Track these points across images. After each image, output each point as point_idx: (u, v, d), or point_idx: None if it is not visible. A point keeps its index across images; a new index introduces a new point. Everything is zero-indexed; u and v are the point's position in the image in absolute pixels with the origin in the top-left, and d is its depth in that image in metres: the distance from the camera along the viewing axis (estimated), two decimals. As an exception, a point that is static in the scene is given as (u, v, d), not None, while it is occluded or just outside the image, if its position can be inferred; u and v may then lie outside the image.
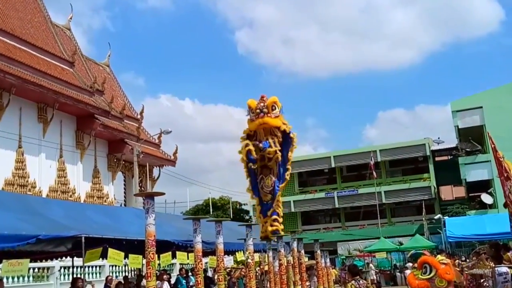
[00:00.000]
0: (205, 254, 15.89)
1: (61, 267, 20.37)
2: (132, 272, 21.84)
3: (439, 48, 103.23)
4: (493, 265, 7.57)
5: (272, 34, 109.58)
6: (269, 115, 10.61)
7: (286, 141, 11.02)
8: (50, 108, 26.26)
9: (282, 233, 11.01)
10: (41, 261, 15.04)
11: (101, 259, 11.52)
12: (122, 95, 36.61)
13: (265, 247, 12.71)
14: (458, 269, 11.77)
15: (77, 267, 16.51)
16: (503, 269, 7.04)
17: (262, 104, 10.65)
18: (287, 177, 11.18)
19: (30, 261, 11.66)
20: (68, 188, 27.22)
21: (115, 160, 31.84)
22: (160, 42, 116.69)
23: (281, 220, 11.08)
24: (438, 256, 7.81)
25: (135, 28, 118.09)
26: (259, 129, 10.74)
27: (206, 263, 19.64)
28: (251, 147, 10.57)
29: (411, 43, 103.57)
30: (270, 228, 10.78)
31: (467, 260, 16.26)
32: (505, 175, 8.89)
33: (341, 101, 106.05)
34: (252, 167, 10.78)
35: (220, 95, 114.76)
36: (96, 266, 22.05)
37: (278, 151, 10.73)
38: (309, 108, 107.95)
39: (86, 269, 20.29)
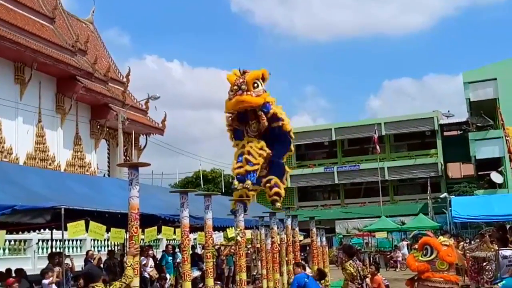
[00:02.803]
0: (194, 229, 16.11)
1: (39, 240, 20.59)
2: (116, 247, 22.10)
3: (452, 13, 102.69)
4: (497, 248, 7.73)
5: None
6: (249, 93, 9.65)
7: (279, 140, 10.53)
8: (28, 68, 26.07)
9: (279, 204, 10.72)
10: (17, 233, 15.20)
11: (86, 233, 11.65)
12: (106, 56, 36.33)
13: (257, 224, 12.89)
14: (461, 251, 12.01)
15: (56, 240, 16.72)
16: (508, 252, 7.20)
17: (241, 80, 9.68)
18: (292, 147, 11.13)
19: (6, 233, 11.80)
20: (47, 155, 27.23)
21: (98, 126, 31.80)
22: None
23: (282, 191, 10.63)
24: (440, 237, 7.96)
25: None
26: (235, 109, 9.95)
27: (194, 239, 19.89)
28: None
29: (422, 7, 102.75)
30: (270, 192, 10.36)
31: (472, 242, 16.54)
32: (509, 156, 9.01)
33: (343, 68, 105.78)
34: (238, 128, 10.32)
35: (211, 57, 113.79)
36: (76, 240, 22.27)
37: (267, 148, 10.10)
38: (308, 75, 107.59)
39: (66, 242, 20.51)
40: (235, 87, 9.69)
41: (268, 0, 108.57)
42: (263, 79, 9.93)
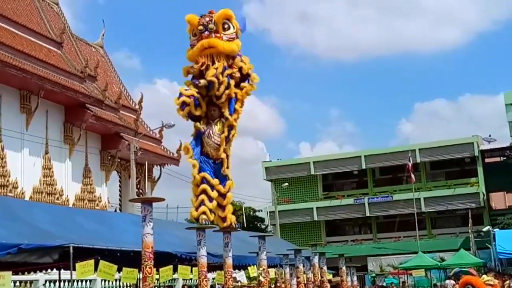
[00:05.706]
0: (213, 268, 16.06)
1: (46, 281, 20.60)
2: (128, 288, 22.06)
3: (490, 27, 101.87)
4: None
5: (287, 9, 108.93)
6: (218, 35, 7.90)
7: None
8: (35, 96, 26.48)
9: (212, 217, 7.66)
10: (23, 273, 15.28)
11: (95, 273, 11.69)
12: (117, 81, 36.85)
13: (281, 262, 12.83)
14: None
15: (64, 281, 16.76)
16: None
17: (208, 18, 7.89)
18: (234, 122, 8.39)
19: (11, 274, 11.87)
20: (55, 189, 27.48)
21: (109, 157, 32.07)
22: (155, 16, 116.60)
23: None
24: (484, 276, 7.85)
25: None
26: (202, 57, 7.94)
27: (213, 278, 19.79)
28: (186, 96, 7.95)
29: (456, 21, 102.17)
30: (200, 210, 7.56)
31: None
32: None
33: (370, 89, 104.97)
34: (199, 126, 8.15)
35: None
36: (86, 281, 22.28)
37: (229, 82, 8.12)
38: (333, 97, 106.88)
39: (75, 283, 20.53)
40: (200, 27, 7.83)
41: (286, 18, 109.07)
42: (233, 22, 8.19)
